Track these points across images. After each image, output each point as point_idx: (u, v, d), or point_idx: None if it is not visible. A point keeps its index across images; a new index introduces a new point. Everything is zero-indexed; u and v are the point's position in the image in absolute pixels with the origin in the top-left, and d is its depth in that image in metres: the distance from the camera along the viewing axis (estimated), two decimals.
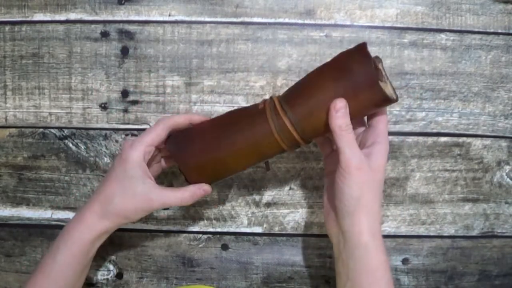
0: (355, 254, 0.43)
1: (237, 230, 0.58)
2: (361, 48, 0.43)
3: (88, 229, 0.47)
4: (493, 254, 0.59)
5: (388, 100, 0.42)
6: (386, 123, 0.45)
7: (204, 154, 0.46)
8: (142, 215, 0.48)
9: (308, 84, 0.44)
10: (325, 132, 0.44)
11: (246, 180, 0.57)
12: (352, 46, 0.55)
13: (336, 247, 0.45)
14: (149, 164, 0.48)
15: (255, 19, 0.55)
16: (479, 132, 0.57)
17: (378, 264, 0.43)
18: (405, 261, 0.58)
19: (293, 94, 0.45)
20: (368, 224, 0.43)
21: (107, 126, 0.57)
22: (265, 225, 0.58)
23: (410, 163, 0.57)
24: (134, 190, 0.46)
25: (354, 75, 0.42)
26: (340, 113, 0.42)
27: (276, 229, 0.58)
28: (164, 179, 0.57)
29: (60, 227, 0.58)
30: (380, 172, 0.43)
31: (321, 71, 0.44)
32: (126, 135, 0.57)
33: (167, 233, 0.58)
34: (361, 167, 0.42)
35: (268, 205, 0.57)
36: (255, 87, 0.56)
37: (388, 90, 0.43)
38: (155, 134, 0.47)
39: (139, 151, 0.46)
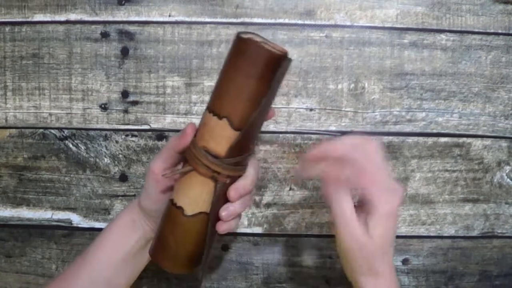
0: None
1: (237, 230, 0.58)
2: (237, 38, 0.41)
3: (124, 212, 0.48)
4: (493, 254, 0.59)
5: (276, 56, 0.40)
6: (368, 180, 0.41)
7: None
8: (152, 194, 0.46)
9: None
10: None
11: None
12: (352, 46, 0.56)
13: None
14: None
15: (255, 20, 0.55)
16: (479, 133, 0.57)
17: None
18: (405, 261, 0.58)
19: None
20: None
21: (107, 126, 0.57)
22: (265, 226, 0.58)
23: (410, 163, 0.57)
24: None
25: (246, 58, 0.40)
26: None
27: (276, 230, 0.58)
28: None
29: (61, 228, 0.58)
30: (379, 241, 0.41)
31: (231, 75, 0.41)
32: (127, 135, 0.57)
33: None
34: (353, 247, 0.41)
35: (268, 205, 0.57)
36: None
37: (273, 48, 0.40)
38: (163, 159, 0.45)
39: (159, 163, 0.45)
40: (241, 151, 0.42)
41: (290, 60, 0.41)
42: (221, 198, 0.43)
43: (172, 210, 0.43)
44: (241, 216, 0.55)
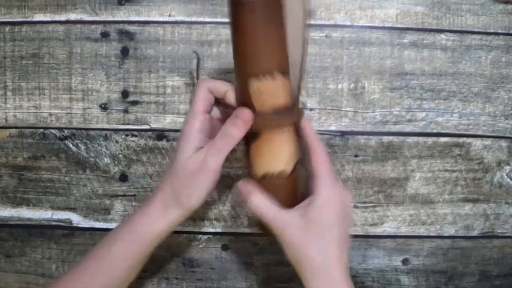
0: None
1: (237, 230, 0.58)
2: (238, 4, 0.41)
3: (148, 223, 0.43)
4: (493, 254, 0.59)
5: None
6: (321, 160, 0.43)
7: None
8: (206, 193, 0.43)
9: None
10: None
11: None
12: (352, 46, 0.56)
13: None
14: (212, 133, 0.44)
15: None
16: (479, 133, 0.57)
17: None
18: (405, 261, 0.58)
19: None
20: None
21: (107, 126, 0.57)
22: None
23: (410, 163, 0.57)
24: (185, 168, 0.42)
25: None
26: None
27: None
28: None
29: (61, 228, 0.58)
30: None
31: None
32: (127, 135, 0.57)
33: None
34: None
35: None
36: None
37: None
38: (202, 100, 0.43)
39: (190, 123, 0.43)
40: (300, 89, 0.43)
41: None
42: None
43: (272, 182, 0.44)
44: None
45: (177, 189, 0.43)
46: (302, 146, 0.45)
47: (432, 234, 0.58)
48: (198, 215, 0.57)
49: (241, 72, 0.42)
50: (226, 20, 0.55)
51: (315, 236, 0.41)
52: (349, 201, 0.44)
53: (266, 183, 0.44)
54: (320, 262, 0.41)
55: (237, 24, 0.41)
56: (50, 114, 0.57)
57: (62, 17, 0.56)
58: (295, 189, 0.45)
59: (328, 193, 0.42)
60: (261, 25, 0.40)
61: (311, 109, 0.56)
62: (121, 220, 0.57)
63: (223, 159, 0.42)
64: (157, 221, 0.44)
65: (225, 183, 0.57)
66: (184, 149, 0.42)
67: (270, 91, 0.41)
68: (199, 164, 0.42)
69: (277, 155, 0.44)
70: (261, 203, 0.43)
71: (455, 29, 0.56)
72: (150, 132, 0.56)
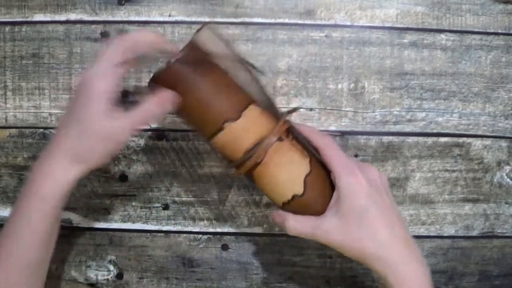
0: None
1: (237, 230, 0.58)
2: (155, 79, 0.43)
3: (56, 184, 0.42)
4: (493, 254, 0.59)
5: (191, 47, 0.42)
6: (332, 150, 0.43)
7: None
8: (111, 155, 0.43)
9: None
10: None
11: (246, 180, 0.57)
12: (352, 46, 0.56)
13: None
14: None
15: (255, 20, 0.55)
16: (479, 133, 0.57)
17: None
18: None
19: None
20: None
21: None
22: (265, 225, 0.58)
23: (410, 163, 0.57)
24: (98, 131, 0.41)
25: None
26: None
27: (276, 229, 0.58)
28: (165, 177, 0.57)
29: (60, 227, 0.58)
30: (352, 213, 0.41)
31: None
32: None
33: (167, 233, 0.58)
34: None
35: (269, 205, 0.57)
36: None
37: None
38: (121, 57, 0.42)
39: (106, 81, 0.41)
40: (273, 107, 0.44)
41: (208, 24, 0.43)
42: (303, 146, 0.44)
43: (294, 205, 0.43)
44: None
45: (84, 149, 0.42)
46: (313, 148, 0.44)
47: (432, 234, 0.58)
48: (198, 215, 0.57)
49: (206, 132, 0.43)
50: (226, 20, 0.55)
51: (356, 228, 0.40)
52: (376, 176, 0.42)
53: (290, 208, 0.44)
54: (375, 249, 0.41)
55: (180, 91, 0.42)
56: (50, 114, 0.57)
57: (62, 17, 0.56)
58: (321, 198, 0.43)
59: (348, 181, 0.41)
60: (199, 78, 0.42)
61: (311, 109, 0.56)
62: (122, 216, 0.57)
63: (135, 133, 0.44)
64: (62, 180, 0.42)
65: (225, 183, 0.57)
66: (96, 111, 0.41)
67: (230, 139, 0.43)
68: (112, 133, 0.42)
69: (277, 187, 0.43)
70: (297, 225, 0.43)
71: (455, 29, 0.56)
72: (150, 132, 0.56)
